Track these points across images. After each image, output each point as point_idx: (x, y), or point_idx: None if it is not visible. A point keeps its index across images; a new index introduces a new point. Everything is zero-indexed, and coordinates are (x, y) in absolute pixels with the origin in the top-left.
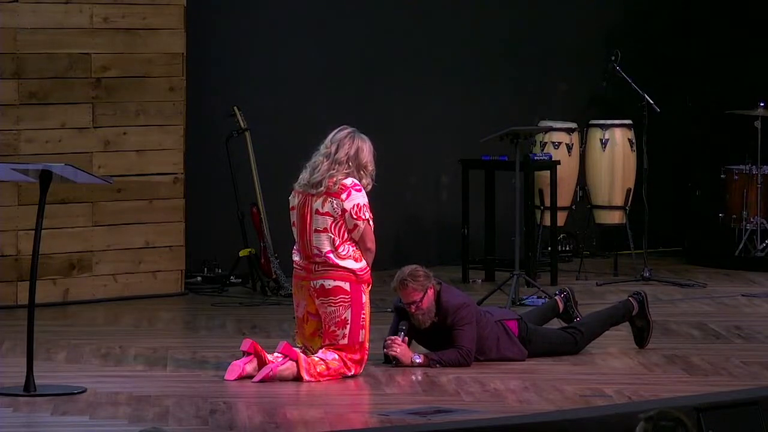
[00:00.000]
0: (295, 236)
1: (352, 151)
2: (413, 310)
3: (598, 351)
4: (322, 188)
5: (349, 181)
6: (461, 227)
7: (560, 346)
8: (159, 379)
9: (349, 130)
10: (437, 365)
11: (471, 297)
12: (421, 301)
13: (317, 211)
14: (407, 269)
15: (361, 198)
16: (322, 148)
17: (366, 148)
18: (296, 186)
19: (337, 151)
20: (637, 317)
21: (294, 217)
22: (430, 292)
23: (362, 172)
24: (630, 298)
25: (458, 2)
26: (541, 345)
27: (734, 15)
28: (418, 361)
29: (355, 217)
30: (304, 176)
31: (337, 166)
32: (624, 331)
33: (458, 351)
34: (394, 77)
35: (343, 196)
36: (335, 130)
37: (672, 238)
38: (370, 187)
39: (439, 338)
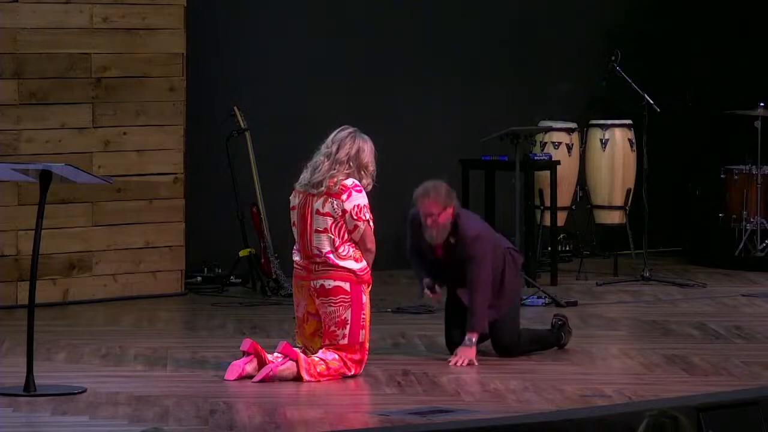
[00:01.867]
0: (296, 236)
1: (353, 151)
2: (428, 223)
3: (598, 351)
4: (322, 188)
5: (349, 181)
6: None
7: (515, 323)
8: (159, 379)
9: (351, 130)
10: (483, 322)
11: (486, 224)
12: (438, 215)
13: (318, 212)
14: (431, 182)
15: (361, 199)
16: (323, 148)
17: (367, 148)
18: (297, 186)
19: (338, 151)
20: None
21: (294, 217)
22: (449, 210)
23: (363, 173)
24: (559, 330)
25: (458, 2)
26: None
27: (734, 15)
28: (474, 339)
29: (355, 217)
30: (304, 176)
31: (337, 166)
32: (623, 331)
33: (475, 289)
34: (394, 77)
35: (344, 196)
36: (336, 130)
37: (672, 238)
38: (370, 187)
39: (453, 269)
